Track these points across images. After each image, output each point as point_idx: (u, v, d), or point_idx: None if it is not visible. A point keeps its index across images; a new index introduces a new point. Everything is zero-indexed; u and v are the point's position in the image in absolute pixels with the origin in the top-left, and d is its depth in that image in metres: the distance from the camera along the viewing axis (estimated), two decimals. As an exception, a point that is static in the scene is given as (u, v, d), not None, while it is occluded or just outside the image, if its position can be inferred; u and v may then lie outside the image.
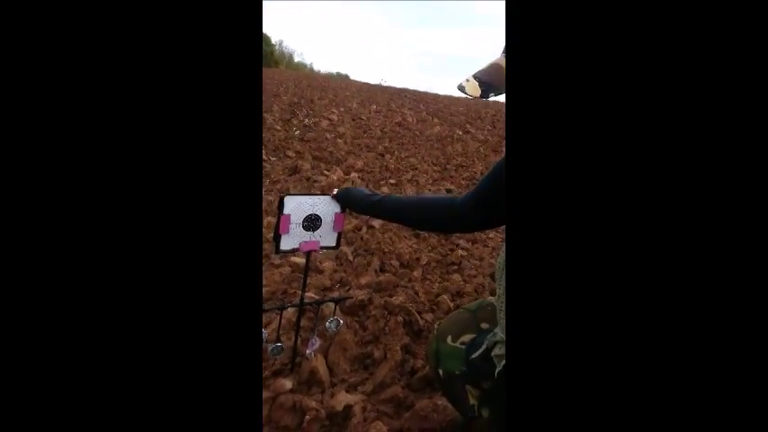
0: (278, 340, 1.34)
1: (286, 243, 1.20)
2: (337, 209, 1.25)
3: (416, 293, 1.95)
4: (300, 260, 2.12)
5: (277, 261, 2.13)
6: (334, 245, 1.29)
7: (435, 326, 1.13)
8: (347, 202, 1.20)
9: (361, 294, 1.87)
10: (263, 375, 1.34)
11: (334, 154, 4.53)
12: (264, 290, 1.83)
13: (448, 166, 4.64)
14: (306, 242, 1.24)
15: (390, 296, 1.87)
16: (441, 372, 0.99)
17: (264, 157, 4.16)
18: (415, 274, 2.16)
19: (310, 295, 1.79)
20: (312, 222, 1.22)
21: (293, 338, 1.41)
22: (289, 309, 1.56)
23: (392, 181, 3.82)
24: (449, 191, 3.77)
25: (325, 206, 1.23)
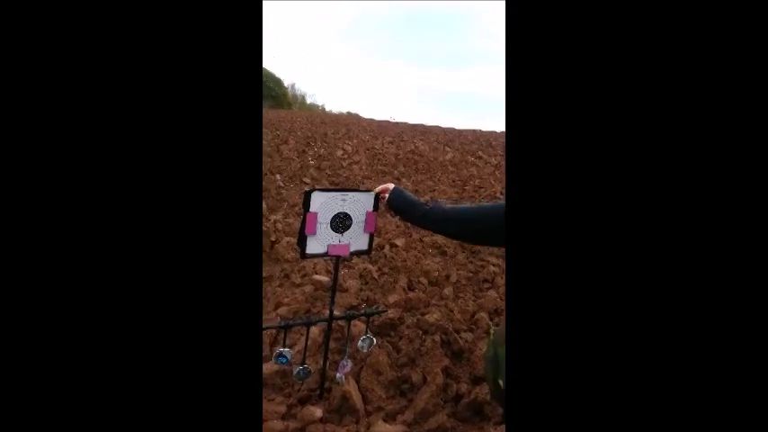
0: (303, 362, 1.18)
1: (313, 246, 1.08)
2: (369, 206, 1.13)
3: (451, 312, 1.77)
4: (323, 278, 1.98)
5: (298, 280, 2.00)
6: (366, 248, 1.16)
7: (491, 330, 0.96)
8: (400, 204, 1.04)
9: (391, 312, 1.70)
10: (290, 403, 1.17)
11: (350, 179, 4.50)
12: (286, 309, 1.69)
13: (466, 187, 4.54)
14: (334, 245, 1.11)
15: (423, 314, 1.70)
16: (501, 382, 0.81)
17: (282, 183, 4.14)
18: (446, 291, 1.99)
19: (337, 313, 1.64)
20: (341, 222, 1.10)
21: (321, 361, 1.24)
22: (315, 327, 1.40)
23: (411, 202, 3.71)
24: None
25: (355, 203, 1.11)
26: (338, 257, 1.16)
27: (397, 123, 16.82)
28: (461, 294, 2.00)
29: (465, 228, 0.87)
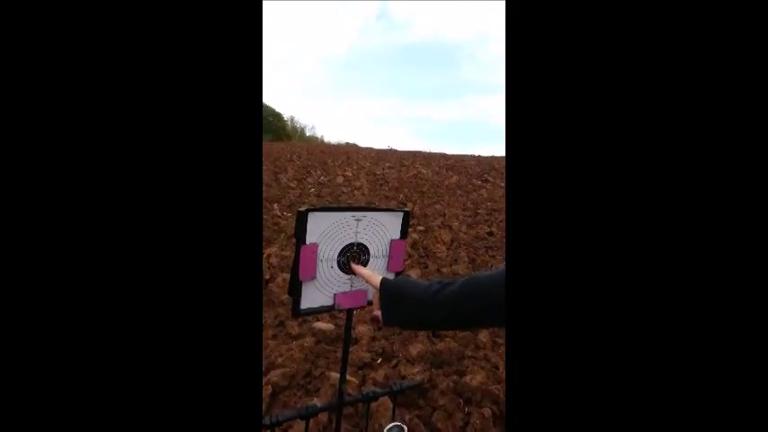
0: (302, 468, 0.77)
1: (311, 297, 0.71)
2: (395, 233, 0.78)
3: (495, 368, 1.36)
4: (327, 326, 1.58)
5: (295, 329, 1.60)
6: None
7: None
8: (405, 301, 0.59)
9: (416, 372, 1.30)
10: None
11: (353, 205, 4.17)
12: (280, 373, 1.28)
13: (479, 211, 4.20)
14: (344, 294, 0.74)
15: (460, 374, 1.30)
16: None
17: (279, 213, 3.81)
18: (482, 337, 1.59)
19: (349, 379, 1.23)
20: (354, 257, 0.74)
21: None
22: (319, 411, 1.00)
23: (421, 227, 3.36)
24: (490, 233, 3.27)
25: (375, 229, 0.76)
26: (350, 311, 0.78)
27: (395, 151, 16.85)
28: (501, 339, 1.60)
29: None
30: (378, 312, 0.63)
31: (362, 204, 4.20)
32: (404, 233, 0.78)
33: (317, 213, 0.68)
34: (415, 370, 1.34)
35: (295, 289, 0.69)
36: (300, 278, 0.68)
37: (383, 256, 0.77)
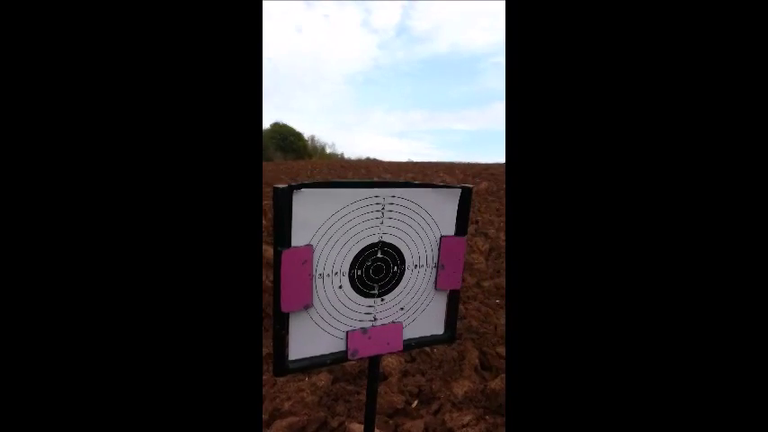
0: None
1: (305, 340, 0.42)
2: (449, 225, 0.48)
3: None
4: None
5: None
6: (443, 330, 0.48)
7: None
8: None
9: (468, 423, 0.97)
10: None
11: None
12: (287, 423, 0.98)
13: (514, 217, 3.81)
14: (364, 332, 0.44)
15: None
16: None
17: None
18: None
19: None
20: (381, 268, 0.44)
21: None
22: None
23: (452, 238, 3.02)
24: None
25: (413, 218, 0.46)
26: (377, 358, 0.48)
27: (417, 163, 16.65)
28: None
29: None
30: None
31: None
32: (462, 226, 0.48)
33: (309, 192, 0.39)
34: (466, 418, 1.00)
35: (280, 323, 0.40)
36: (283, 308, 0.39)
37: (428, 264, 0.47)
